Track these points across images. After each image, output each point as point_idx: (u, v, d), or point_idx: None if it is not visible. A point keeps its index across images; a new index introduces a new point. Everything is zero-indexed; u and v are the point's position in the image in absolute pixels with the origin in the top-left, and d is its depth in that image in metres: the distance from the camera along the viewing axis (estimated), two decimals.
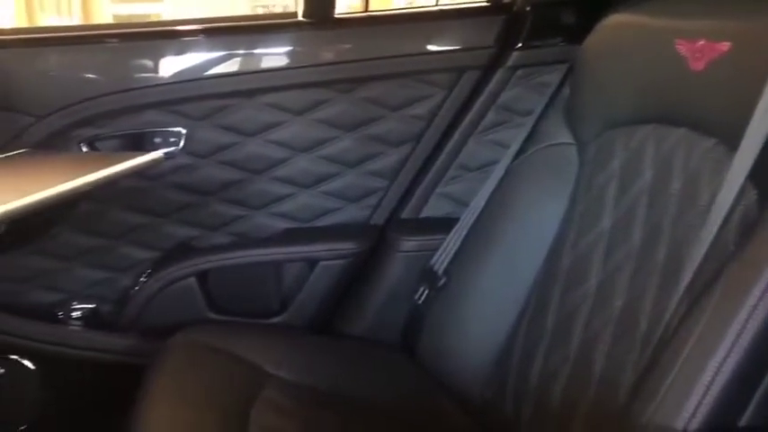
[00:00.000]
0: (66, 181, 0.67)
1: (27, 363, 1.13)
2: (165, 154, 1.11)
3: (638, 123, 0.89)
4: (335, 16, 1.14)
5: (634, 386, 0.71)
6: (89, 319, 1.16)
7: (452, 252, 1.10)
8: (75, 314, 1.16)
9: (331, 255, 1.19)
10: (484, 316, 1.02)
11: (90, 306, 1.17)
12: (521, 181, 1.07)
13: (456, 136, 1.20)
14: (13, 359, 1.13)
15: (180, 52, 1.10)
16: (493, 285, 1.03)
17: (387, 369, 1.08)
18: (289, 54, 1.13)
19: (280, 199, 1.20)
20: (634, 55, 0.90)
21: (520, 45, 1.16)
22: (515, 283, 0.99)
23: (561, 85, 1.09)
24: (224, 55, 1.11)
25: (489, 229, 1.07)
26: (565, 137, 1.02)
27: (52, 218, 0.86)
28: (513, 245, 1.02)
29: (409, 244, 1.18)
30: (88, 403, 1.14)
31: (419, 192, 1.22)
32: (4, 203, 0.58)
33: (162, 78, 1.09)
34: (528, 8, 1.16)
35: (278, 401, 0.93)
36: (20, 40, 1.08)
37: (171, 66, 1.09)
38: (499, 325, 0.98)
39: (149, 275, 1.17)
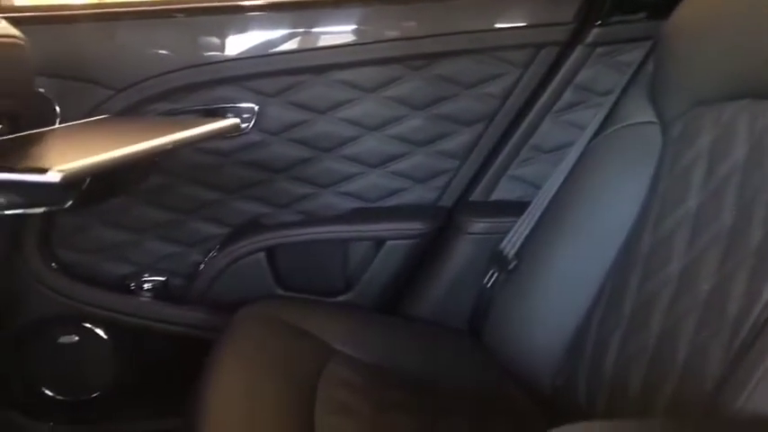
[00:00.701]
0: (148, 140, 0.68)
1: (100, 331, 1.16)
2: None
3: (729, 99, 0.84)
4: None
5: (722, 374, 0.67)
6: (159, 292, 1.18)
7: (524, 235, 1.06)
8: (146, 286, 1.18)
9: (398, 234, 1.18)
10: (556, 301, 0.98)
11: (161, 279, 1.19)
12: (598, 162, 1.02)
13: (530, 116, 1.16)
14: (86, 327, 1.16)
15: (250, 28, 1.10)
16: (566, 270, 0.99)
17: (453, 353, 1.06)
18: (360, 29, 1.12)
19: (348, 178, 1.19)
20: (728, 26, 0.84)
21: (600, 21, 1.11)
22: (590, 267, 0.95)
23: (644, 62, 1.03)
24: (295, 30, 1.10)
25: (564, 212, 1.02)
26: (647, 115, 0.96)
27: (131, 177, 0.87)
28: (588, 228, 0.98)
29: (478, 226, 1.15)
30: (158, 373, 1.16)
31: (490, 173, 1.19)
32: (90, 158, 0.58)
33: (233, 54, 1.09)
34: None
35: (344, 377, 0.92)
36: (95, 14, 1.09)
37: (242, 41, 1.09)
38: (572, 311, 0.94)
39: (218, 250, 1.18)
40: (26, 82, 0.84)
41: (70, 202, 0.63)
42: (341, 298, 1.20)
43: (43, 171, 0.54)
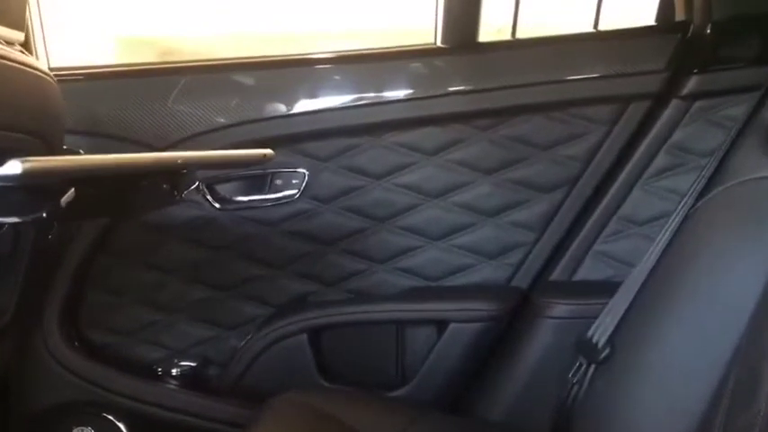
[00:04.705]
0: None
1: (121, 426, 1.03)
2: (284, 197, 1.03)
3: None
4: (478, 42, 1.02)
5: None
6: (188, 379, 1.06)
7: (617, 319, 0.89)
8: (174, 371, 1.06)
9: (464, 316, 1.02)
10: (664, 396, 0.80)
11: (191, 364, 1.06)
12: (707, 228, 0.86)
13: (618, 182, 1.02)
14: (105, 419, 1.03)
15: (300, 83, 1.02)
16: (675, 360, 0.81)
17: None
18: (420, 83, 1.02)
19: (405, 252, 1.06)
20: None
21: (698, 69, 0.99)
22: (707, 356, 0.77)
23: (756, 111, 0.89)
24: (349, 86, 1.03)
25: (667, 290, 0.86)
26: (765, 170, 0.81)
27: (133, 202, 0.76)
28: (701, 308, 0.81)
29: (561, 309, 1.00)
30: None
31: (572, 249, 1.05)
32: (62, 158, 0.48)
33: (281, 111, 1.01)
34: (708, 26, 0.99)
35: None
36: (135, 71, 1.06)
37: (292, 98, 1.01)
38: (685, 408, 0.76)
39: (257, 332, 1.06)
40: (53, 120, 0.76)
41: (44, 213, 0.52)
42: (396, 392, 1.04)
43: (3, 162, 0.45)
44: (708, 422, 0.74)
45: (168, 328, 1.07)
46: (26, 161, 0.46)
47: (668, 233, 0.91)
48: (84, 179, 0.51)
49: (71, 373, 1.03)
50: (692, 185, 0.92)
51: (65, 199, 0.52)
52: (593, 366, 0.90)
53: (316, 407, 0.86)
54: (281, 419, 0.83)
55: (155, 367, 1.07)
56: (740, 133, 0.90)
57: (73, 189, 0.53)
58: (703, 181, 0.91)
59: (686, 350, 0.80)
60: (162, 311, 1.07)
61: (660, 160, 1.01)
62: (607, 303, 0.92)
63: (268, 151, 0.76)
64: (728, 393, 0.73)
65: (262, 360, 1.04)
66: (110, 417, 1.03)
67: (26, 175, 0.46)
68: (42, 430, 1.03)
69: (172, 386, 1.05)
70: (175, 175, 0.68)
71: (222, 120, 1.00)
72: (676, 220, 0.91)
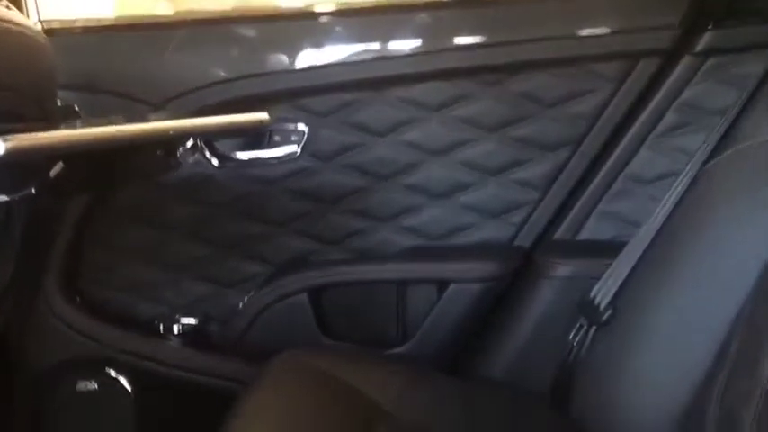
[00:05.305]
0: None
1: (123, 380, 1.04)
2: (285, 155, 1.01)
3: None
4: None
5: None
6: (190, 336, 1.06)
7: (620, 280, 0.89)
8: (176, 329, 1.06)
9: (465, 276, 1.02)
10: (664, 360, 0.80)
11: (192, 322, 1.06)
12: (716, 190, 0.85)
13: (626, 140, 1.00)
14: (108, 375, 1.03)
15: (300, 37, 0.99)
16: (677, 323, 0.80)
17: (530, 426, 0.88)
18: (425, 37, 0.99)
19: (408, 211, 1.04)
20: None
21: (712, 25, 0.95)
22: (710, 319, 0.76)
23: None
24: (352, 39, 0.99)
25: (673, 253, 0.85)
26: None
27: (123, 173, 0.75)
28: (707, 271, 0.80)
29: (563, 269, 0.99)
30: (183, 428, 1.02)
31: (577, 208, 1.03)
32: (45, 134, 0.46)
33: (279, 66, 0.98)
34: None
35: None
36: (129, 26, 1.02)
37: (290, 52, 0.98)
38: (686, 373, 0.76)
39: (258, 290, 1.05)
40: (41, 78, 0.74)
41: (33, 189, 0.51)
42: (396, 350, 1.04)
43: None
44: (707, 386, 0.73)
45: (169, 285, 1.07)
46: (8, 140, 0.44)
47: (675, 194, 0.89)
48: (73, 154, 0.49)
49: (73, 330, 1.02)
50: (701, 145, 0.90)
51: (54, 172, 0.50)
52: (594, 328, 0.89)
53: (316, 366, 0.86)
54: (283, 379, 0.83)
55: (156, 324, 1.06)
56: (755, 92, 0.88)
57: (61, 162, 0.51)
58: (714, 141, 0.88)
59: (689, 313, 0.79)
60: (162, 269, 1.06)
61: (669, 119, 0.99)
62: (611, 264, 0.91)
63: (264, 116, 0.73)
64: (731, 358, 0.72)
65: (263, 318, 1.04)
66: (112, 372, 1.04)
67: (9, 154, 0.44)
68: (46, 387, 1.03)
69: (173, 343, 1.05)
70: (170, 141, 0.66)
71: (221, 74, 0.97)
72: (684, 180, 0.89)
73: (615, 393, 0.82)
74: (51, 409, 1.04)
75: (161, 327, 1.06)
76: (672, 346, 0.80)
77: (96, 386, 1.03)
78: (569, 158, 1.02)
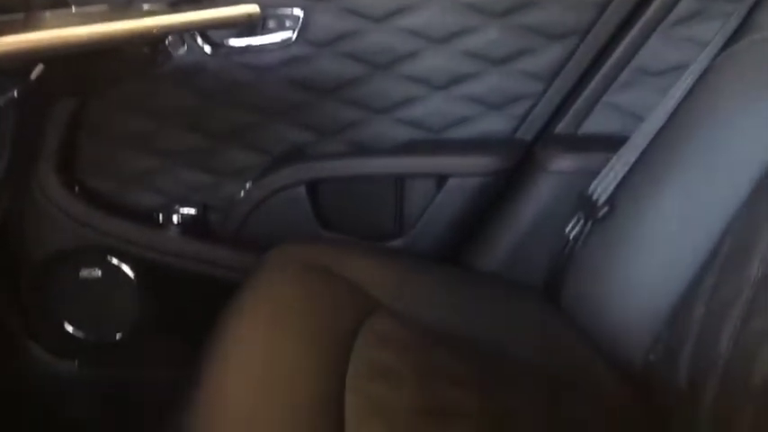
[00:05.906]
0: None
1: (125, 268, 1.06)
2: (280, 42, 0.97)
3: None
4: None
5: None
6: (189, 226, 1.06)
7: (620, 176, 0.88)
8: (175, 218, 1.06)
9: (464, 170, 1.00)
10: (657, 258, 0.81)
11: (191, 212, 1.07)
12: (726, 82, 0.82)
13: (635, 29, 0.95)
14: (111, 263, 1.05)
15: None
16: (674, 219, 0.81)
17: (524, 315, 0.91)
18: None
19: (406, 102, 1.01)
20: None
21: None
22: (705, 218, 0.77)
23: None
24: None
25: (675, 148, 0.83)
26: None
27: (106, 75, 0.72)
28: (707, 169, 0.79)
29: (564, 163, 0.97)
30: (185, 317, 1.05)
31: (581, 100, 1.00)
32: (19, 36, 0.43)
33: None
34: None
35: (388, 336, 0.77)
36: None
37: None
38: (676, 272, 0.77)
39: (255, 182, 1.05)
40: None
41: (15, 93, 0.49)
42: (393, 243, 1.05)
43: None
44: (697, 285, 0.75)
45: (167, 175, 1.06)
46: None
47: (682, 88, 0.86)
48: (51, 57, 0.47)
49: (72, 220, 1.03)
50: (715, 35, 0.86)
51: (34, 74, 0.48)
52: (590, 222, 0.90)
53: (314, 259, 0.87)
54: (279, 272, 0.84)
55: (155, 213, 1.07)
56: None
57: (41, 64, 0.48)
58: (728, 32, 0.84)
59: (685, 211, 0.80)
60: (159, 158, 1.05)
61: (683, 6, 0.93)
62: (611, 158, 0.90)
63: (253, 9, 0.69)
64: (721, 259, 0.73)
65: (261, 210, 1.04)
66: (114, 260, 1.05)
67: None
68: (47, 276, 1.05)
69: (173, 232, 1.06)
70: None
71: None
72: (693, 73, 0.85)
73: (605, 288, 0.84)
74: (55, 297, 1.07)
75: (160, 217, 1.07)
76: (666, 243, 0.81)
77: (100, 274, 1.05)
78: (576, 47, 0.97)
